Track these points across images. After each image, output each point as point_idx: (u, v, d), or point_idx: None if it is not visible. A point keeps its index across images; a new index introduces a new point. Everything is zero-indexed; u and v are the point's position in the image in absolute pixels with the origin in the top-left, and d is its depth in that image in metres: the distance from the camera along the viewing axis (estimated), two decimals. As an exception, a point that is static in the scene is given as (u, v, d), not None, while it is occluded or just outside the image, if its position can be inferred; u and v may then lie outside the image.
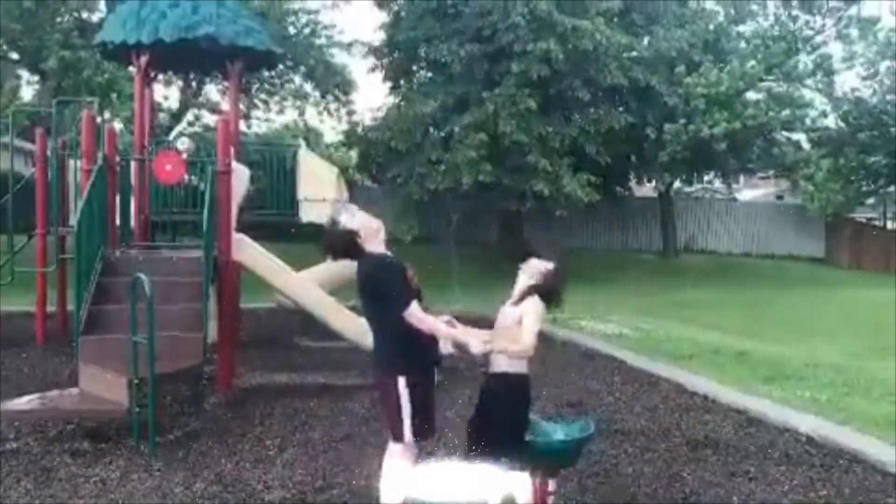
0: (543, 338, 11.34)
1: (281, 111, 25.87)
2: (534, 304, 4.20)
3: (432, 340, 4.16)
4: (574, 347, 10.67)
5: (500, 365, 4.22)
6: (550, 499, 4.32)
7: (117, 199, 8.57)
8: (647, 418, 6.94)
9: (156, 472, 5.30)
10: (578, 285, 17.56)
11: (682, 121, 20.64)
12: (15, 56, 20.06)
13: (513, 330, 4.18)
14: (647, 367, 9.20)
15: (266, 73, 22.03)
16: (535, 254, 4.32)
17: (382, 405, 4.20)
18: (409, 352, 4.03)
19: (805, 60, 24.54)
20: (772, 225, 28.33)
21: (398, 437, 4.04)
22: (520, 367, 4.22)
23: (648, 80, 20.11)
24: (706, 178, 27.53)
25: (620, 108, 20.53)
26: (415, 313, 4.00)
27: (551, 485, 4.33)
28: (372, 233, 4.16)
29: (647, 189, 27.40)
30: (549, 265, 4.26)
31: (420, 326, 4.00)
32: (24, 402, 6.41)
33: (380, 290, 4.08)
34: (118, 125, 14.87)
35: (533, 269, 4.28)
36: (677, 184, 26.08)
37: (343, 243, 4.15)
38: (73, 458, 5.56)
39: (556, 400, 7.50)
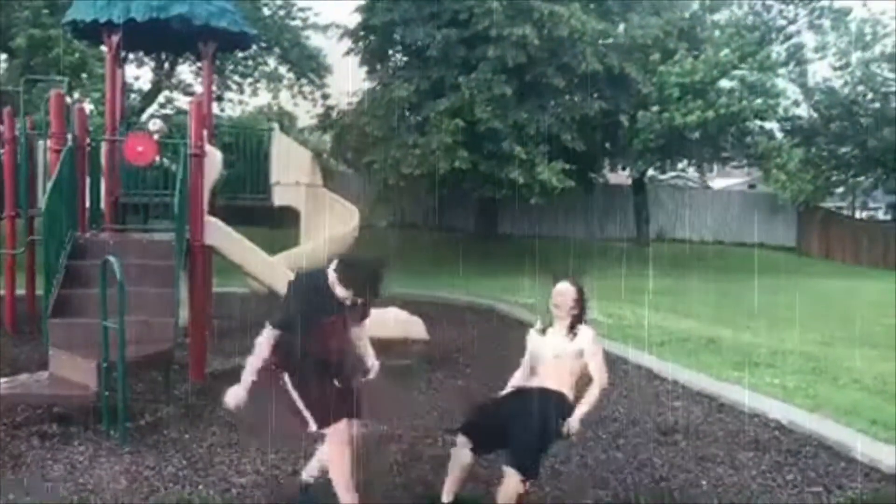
0: (517, 324, 11.39)
1: (255, 93, 25.63)
2: (591, 336, 4.44)
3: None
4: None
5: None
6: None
7: (87, 180, 8.43)
8: (619, 404, 6.99)
9: (125, 456, 5.27)
10: (552, 272, 17.69)
11: (656, 108, 20.74)
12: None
13: (571, 362, 4.42)
14: (619, 353, 9.26)
15: (239, 55, 21.78)
16: (557, 279, 4.61)
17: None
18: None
19: (778, 50, 24.80)
20: (744, 213, 28.60)
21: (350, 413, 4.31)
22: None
23: (623, 67, 20.17)
24: (679, 165, 27.74)
25: (595, 95, 20.58)
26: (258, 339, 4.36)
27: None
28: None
29: (622, 177, 27.54)
30: (574, 290, 4.53)
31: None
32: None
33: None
34: (89, 106, 14.61)
35: (565, 298, 4.49)
36: (651, 171, 26.24)
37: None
38: (42, 441, 5.50)
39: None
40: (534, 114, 19.13)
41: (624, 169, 25.84)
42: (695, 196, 29.34)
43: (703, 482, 5.12)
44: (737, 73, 22.01)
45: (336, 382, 4.31)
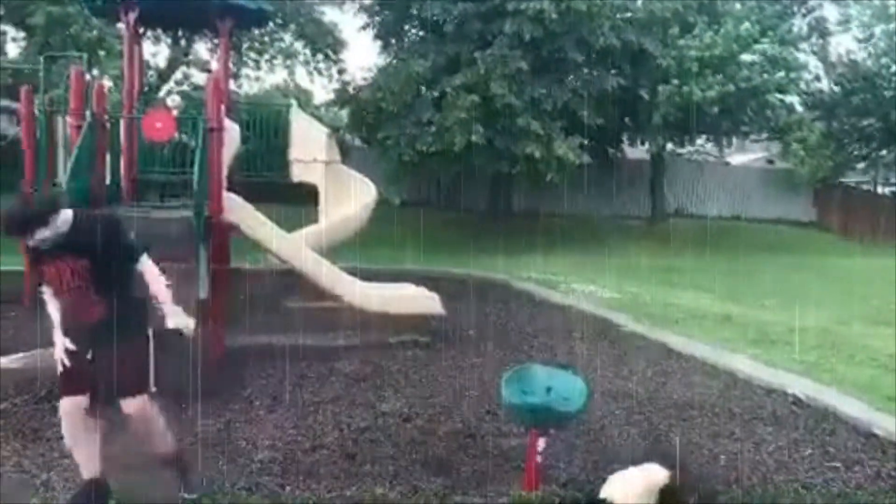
0: (535, 301, 11.40)
1: (271, 70, 25.61)
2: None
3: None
4: (562, 310, 10.72)
5: None
6: (539, 457, 4.39)
7: (107, 157, 8.48)
8: (634, 380, 7.01)
9: (147, 431, 5.32)
10: (568, 249, 17.68)
11: (675, 83, 20.54)
12: (-1, 11, 19.71)
13: None
14: (636, 330, 9.27)
15: (256, 31, 21.73)
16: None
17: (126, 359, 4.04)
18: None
19: (800, 23, 24.42)
20: (762, 189, 28.35)
21: (143, 390, 4.04)
22: None
23: (642, 42, 19.98)
24: (698, 141, 27.49)
25: (613, 71, 20.40)
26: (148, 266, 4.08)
27: (540, 443, 4.39)
28: None
29: (640, 152, 27.32)
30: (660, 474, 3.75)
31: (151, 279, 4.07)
32: (10, 361, 6.39)
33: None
34: (107, 83, 14.67)
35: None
36: (669, 146, 26.02)
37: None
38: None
39: (548, 362, 7.54)
40: (551, 89, 19.01)
41: (642, 144, 25.63)
42: (713, 171, 29.07)
43: (722, 458, 5.12)
44: (758, 46, 21.71)
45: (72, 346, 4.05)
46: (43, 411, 5.65)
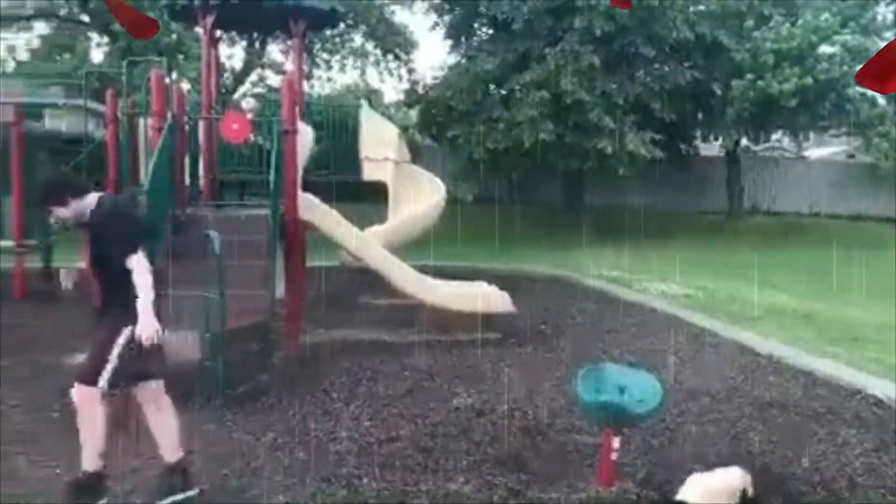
0: (607, 298, 11.30)
1: (342, 70, 25.97)
2: None
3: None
4: (637, 308, 10.59)
5: None
6: (614, 455, 4.36)
7: (186, 158, 8.74)
8: (712, 378, 6.88)
9: (227, 424, 5.49)
10: (641, 245, 17.44)
11: (750, 76, 20.05)
12: (85, 18, 20.48)
13: None
14: (711, 328, 9.11)
15: (328, 33, 22.06)
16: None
17: (93, 346, 4.08)
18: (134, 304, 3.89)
19: (884, 12, 23.53)
20: (842, 184, 27.43)
21: (93, 381, 3.96)
22: None
23: (716, 34, 19.57)
24: (774, 136, 26.77)
25: (686, 64, 20.04)
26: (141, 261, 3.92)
27: (615, 442, 4.36)
28: None
29: (714, 147, 26.77)
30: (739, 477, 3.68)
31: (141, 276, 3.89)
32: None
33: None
34: (185, 85, 15.09)
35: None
36: (744, 141, 25.42)
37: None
38: (150, 408, 5.76)
39: (621, 360, 7.48)
40: (622, 84, 18.80)
41: (716, 139, 25.10)
42: (790, 166, 28.28)
43: (804, 460, 4.99)
44: (838, 37, 21.03)
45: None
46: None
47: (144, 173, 8.76)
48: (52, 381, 6.04)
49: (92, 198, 4.09)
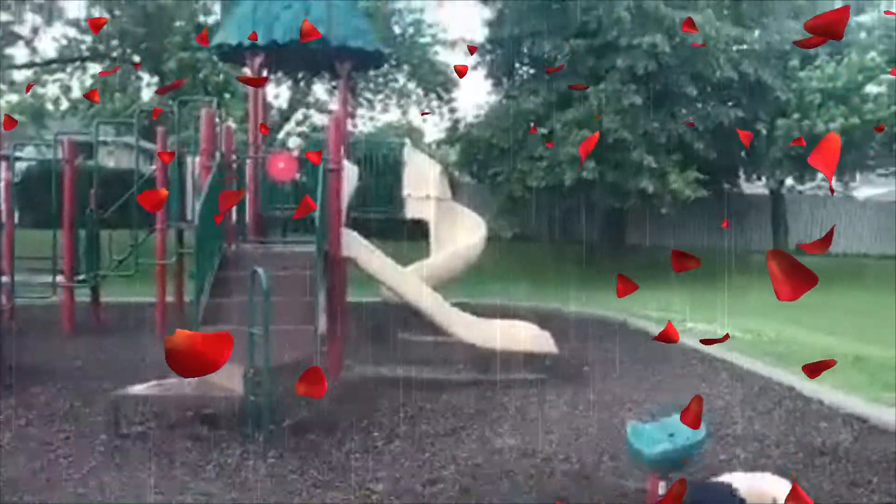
0: (645, 337, 11.16)
1: (385, 109, 26.28)
2: None
3: None
4: (680, 349, 10.43)
5: None
6: (660, 500, 4.27)
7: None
8: (760, 423, 6.74)
9: (270, 459, 5.50)
10: (685, 284, 17.22)
11: (796, 116, 19.86)
12: (136, 59, 21.08)
13: None
14: (758, 370, 8.93)
15: (371, 73, 22.42)
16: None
17: None
18: None
19: (932, 51, 23.20)
20: (891, 224, 26.90)
21: None
22: None
23: (759, 73, 19.46)
24: (820, 175, 26.37)
25: (730, 103, 19.94)
26: None
27: (661, 487, 4.28)
28: None
29: (758, 186, 26.48)
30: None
31: None
32: (144, 388, 6.71)
33: None
34: (232, 124, 15.42)
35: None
36: (789, 181, 25.11)
37: None
38: (193, 443, 5.81)
39: (666, 404, 7.36)
40: (665, 123, 18.74)
41: (759, 178, 24.83)
42: (837, 206, 27.83)
43: (855, 508, 4.85)
44: (885, 77, 20.78)
45: None
46: (173, 437, 5.91)
47: (191, 210, 8.94)
48: (100, 413, 6.13)
49: None
